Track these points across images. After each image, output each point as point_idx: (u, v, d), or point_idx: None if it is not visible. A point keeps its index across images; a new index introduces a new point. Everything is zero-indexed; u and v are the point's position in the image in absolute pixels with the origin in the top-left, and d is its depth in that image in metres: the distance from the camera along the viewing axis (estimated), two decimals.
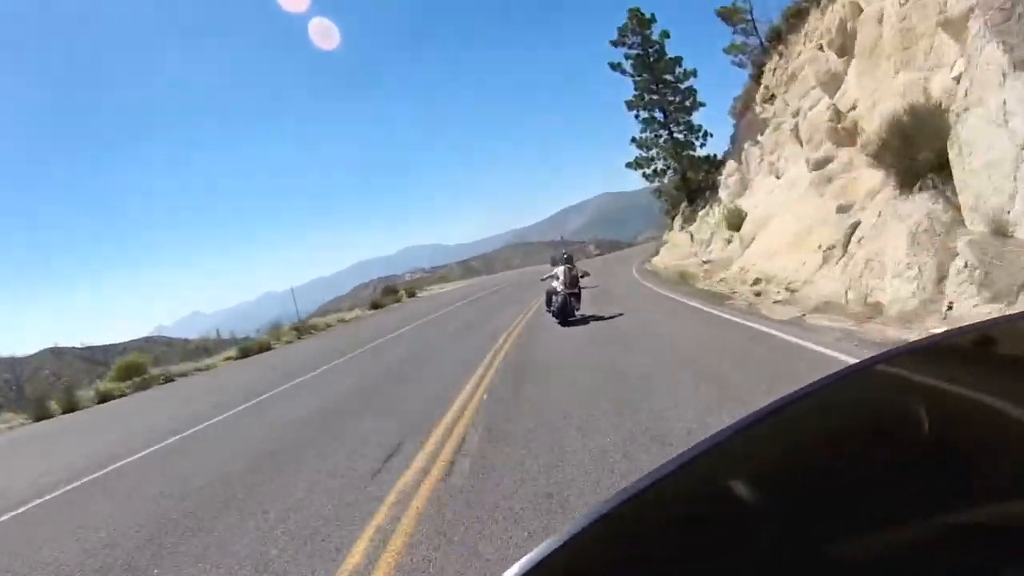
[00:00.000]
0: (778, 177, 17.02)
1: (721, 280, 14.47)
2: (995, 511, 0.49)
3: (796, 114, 15.77)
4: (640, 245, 60.74)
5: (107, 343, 54.48)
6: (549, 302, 11.55)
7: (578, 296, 11.70)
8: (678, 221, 31.18)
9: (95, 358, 47.72)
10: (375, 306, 32.94)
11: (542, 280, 12.67)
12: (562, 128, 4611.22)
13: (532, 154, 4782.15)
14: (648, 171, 33.34)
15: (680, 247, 26.82)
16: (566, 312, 11.11)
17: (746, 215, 17.63)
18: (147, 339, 61.33)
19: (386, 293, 38.73)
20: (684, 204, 31.19)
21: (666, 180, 33.27)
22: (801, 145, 14.69)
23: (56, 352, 46.51)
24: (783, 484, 0.55)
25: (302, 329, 23.90)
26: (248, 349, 20.04)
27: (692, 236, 25.69)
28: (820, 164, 12.75)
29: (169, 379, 16.61)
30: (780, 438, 0.59)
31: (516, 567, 0.45)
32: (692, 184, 30.98)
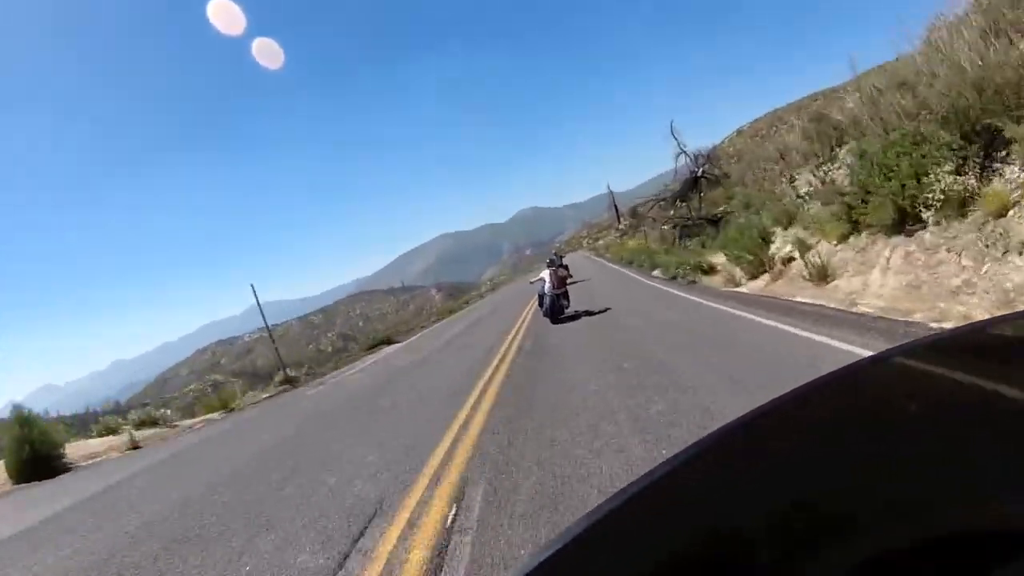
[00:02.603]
0: None
1: None
2: (1002, 508, 0.47)
3: None
4: (510, 284, 52.71)
5: None
6: (541, 303, 12.50)
7: (566, 295, 12.50)
8: None
9: None
10: None
11: (531, 283, 13.66)
12: (400, 171, 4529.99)
13: (371, 200, 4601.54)
14: None
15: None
16: (555, 311, 11.95)
17: None
18: None
19: None
20: None
21: None
22: None
23: None
24: (792, 475, 0.55)
25: None
26: None
27: None
28: None
29: None
30: (786, 431, 0.59)
31: (517, 569, 0.44)
32: None
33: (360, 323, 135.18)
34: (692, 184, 23.11)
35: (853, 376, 0.67)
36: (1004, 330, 0.73)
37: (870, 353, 1.14)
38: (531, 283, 13.41)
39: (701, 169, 23.09)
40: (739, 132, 58.68)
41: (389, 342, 22.45)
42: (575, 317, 11.65)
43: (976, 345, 0.71)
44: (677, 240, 21.29)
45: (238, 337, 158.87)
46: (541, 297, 12.35)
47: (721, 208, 18.92)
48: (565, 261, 19.43)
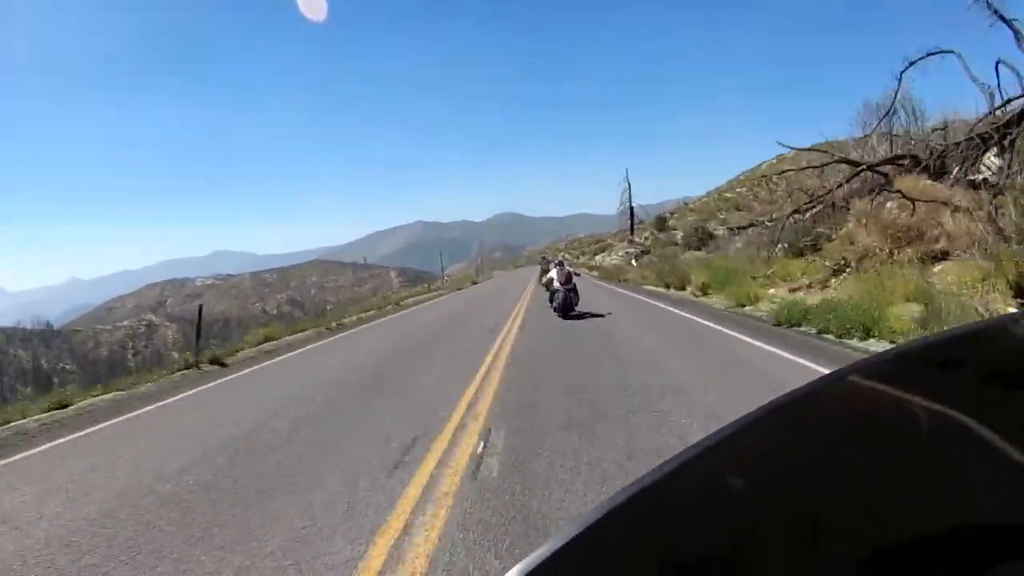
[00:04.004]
0: None
1: None
2: (967, 523, 0.49)
3: None
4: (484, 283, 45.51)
5: None
6: (552, 299, 13.49)
7: (575, 291, 13.21)
8: None
9: None
10: None
11: (545, 287, 14.67)
12: (394, 148, 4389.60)
13: (359, 172, 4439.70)
14: None
15: None
16: (567, 307, 12.85)
17: None
18: None
19: None
20: None
21: None
22: None
23: None
24: (761, 499, 0.54)
25: None
26: None
27: None
28: None
29: None
30: (753, 453, 0.59)
31: (517, 569, 0.45)
32: None
33: (312, 291, 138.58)
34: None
35: (831, 388, 0.67)
36: (975, 340, 0.75)
37: None
38: (545, 287, 14.98)
39: None
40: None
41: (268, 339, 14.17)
42: (582, 316, 12.44)
43: (940, 358, 0.72)
44: None
45: (191, 280, 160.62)
46: (553, 293, 13.61)
47: None
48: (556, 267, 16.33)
